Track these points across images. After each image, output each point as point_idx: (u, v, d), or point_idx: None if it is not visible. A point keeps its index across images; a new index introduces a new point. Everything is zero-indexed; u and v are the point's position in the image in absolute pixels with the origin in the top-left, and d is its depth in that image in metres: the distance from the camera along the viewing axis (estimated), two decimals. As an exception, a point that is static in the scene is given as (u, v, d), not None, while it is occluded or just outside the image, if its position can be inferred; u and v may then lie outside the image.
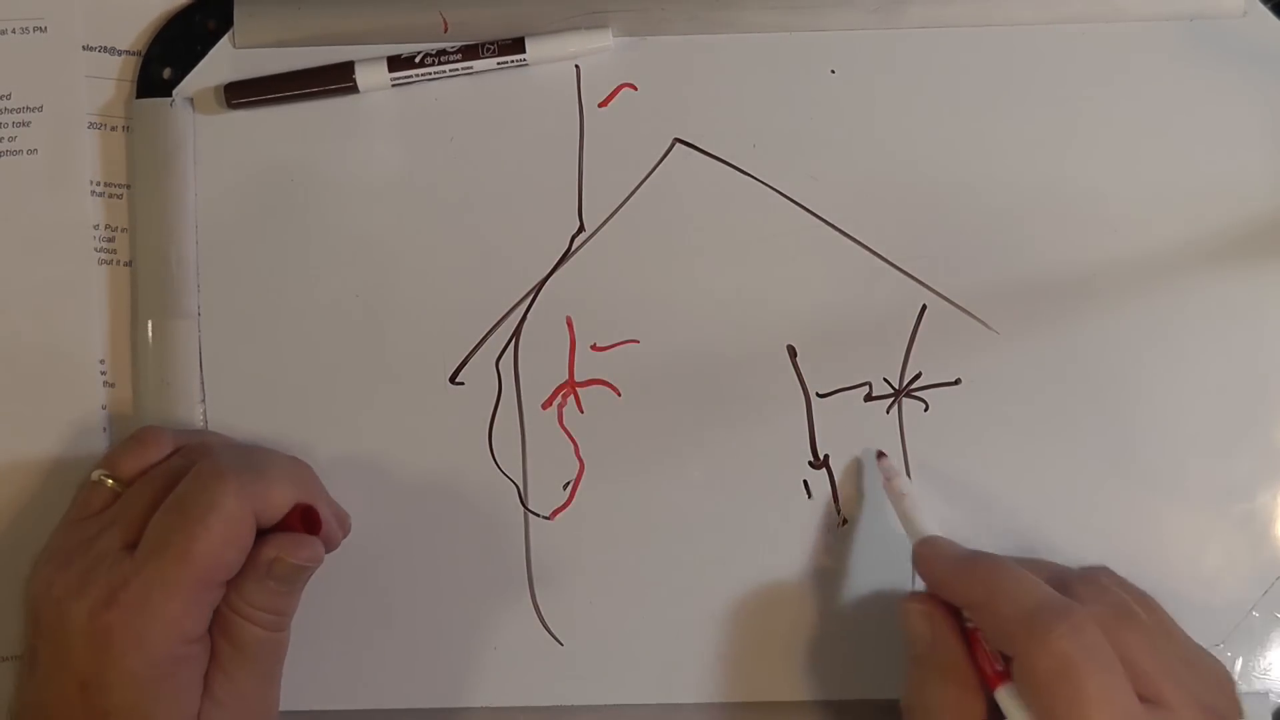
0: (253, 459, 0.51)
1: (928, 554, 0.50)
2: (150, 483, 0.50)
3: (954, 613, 0.48)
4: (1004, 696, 0.45)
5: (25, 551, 0.54)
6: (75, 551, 0.49)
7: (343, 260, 0.55)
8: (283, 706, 0.54)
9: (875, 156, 0.55)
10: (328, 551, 0.52)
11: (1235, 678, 0.52)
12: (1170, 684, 0.45)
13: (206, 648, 0.49)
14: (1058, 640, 0.43)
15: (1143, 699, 0.44)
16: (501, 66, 0.55)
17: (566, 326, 0.55)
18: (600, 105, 0.56)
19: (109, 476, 0.51)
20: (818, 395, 0.55)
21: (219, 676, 0.49)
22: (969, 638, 0.47)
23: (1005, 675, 0.45)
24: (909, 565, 0.54)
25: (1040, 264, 0.55)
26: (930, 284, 0.55)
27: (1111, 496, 0.54)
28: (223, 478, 0.48)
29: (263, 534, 0.49)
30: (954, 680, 0.47)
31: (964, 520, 0.54)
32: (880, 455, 0.54)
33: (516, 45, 0.55)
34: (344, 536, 0.54)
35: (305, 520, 0.50)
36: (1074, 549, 0.53)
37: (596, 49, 0.55)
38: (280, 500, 0.49)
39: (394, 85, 0.55)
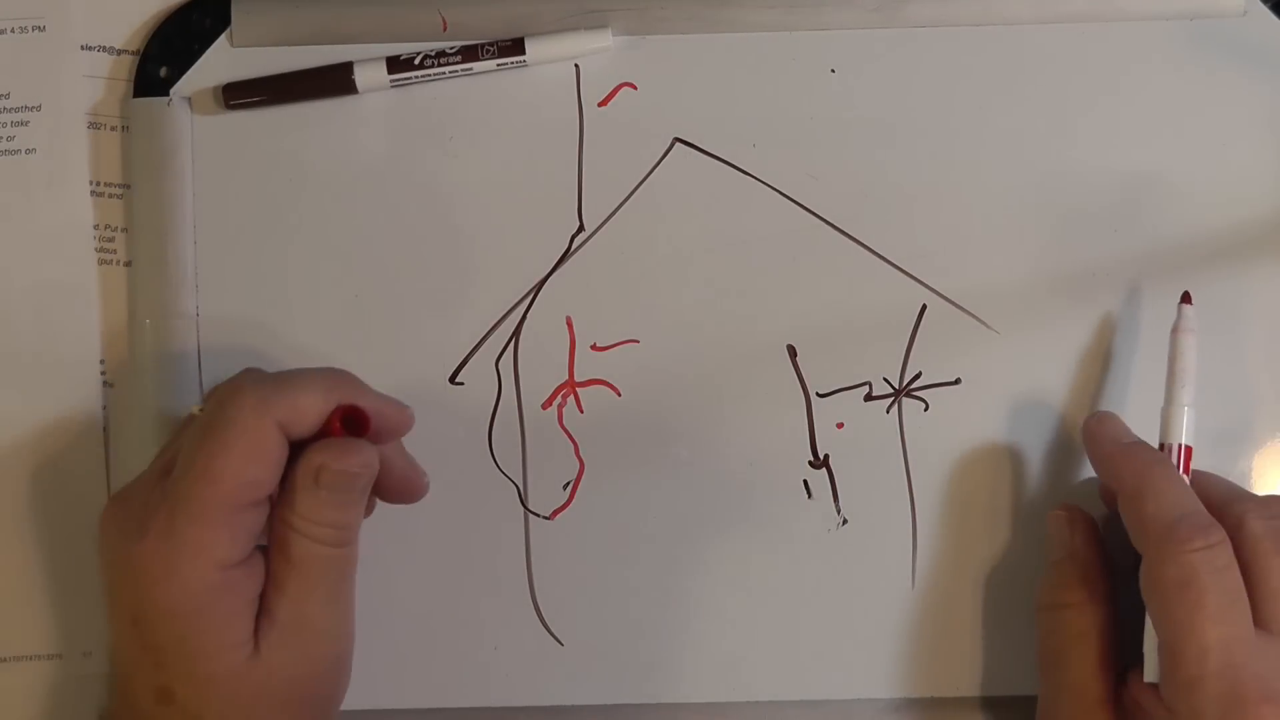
0: (282, 373, 0.48)
1: (1095, 430, 0.52)
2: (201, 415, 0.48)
3: (1094, 524, 0.51)
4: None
5: (25, 552, 0.54)
6: (129, 487, 0.48)
7: (342, 260, 0.55)
8: (282, 706, 0.55)
9: (875, 156, 0.55)
10: (387, 442, 0.49)
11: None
12: None
13: (253, 572, 0.46)
14: (1189, 553, 0.45)
15: (1261, 626, 0.46)
16: (501, 67, 0.55)
17: (566, 326, 0.55)
18: (600, 105, 0.56)
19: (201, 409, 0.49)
20: (818, 395, 0.55)
21: (278, 598, 0.46)
22: None
23: None
24: (909, 565, 0.54)
25: (1040, 264, 0.55)
26: (930, 284, 0.55)
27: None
28: (239, 392, 0.45)
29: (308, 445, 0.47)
30: (1084, 585, 0.50)
31: (964, 519, 0.54)
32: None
33: (516, 46, 0.55)
34: (408, 429, 0.50)
35: (349, 424, 0.47)
36: (1074, 549, 0.53)
37: (596, 49, 0.55)
38: (309, 407, 0.46)
39: (393, 86, 0.55)
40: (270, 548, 0.47)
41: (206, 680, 0.45)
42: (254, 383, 0.46)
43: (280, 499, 0.47)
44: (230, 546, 0.45)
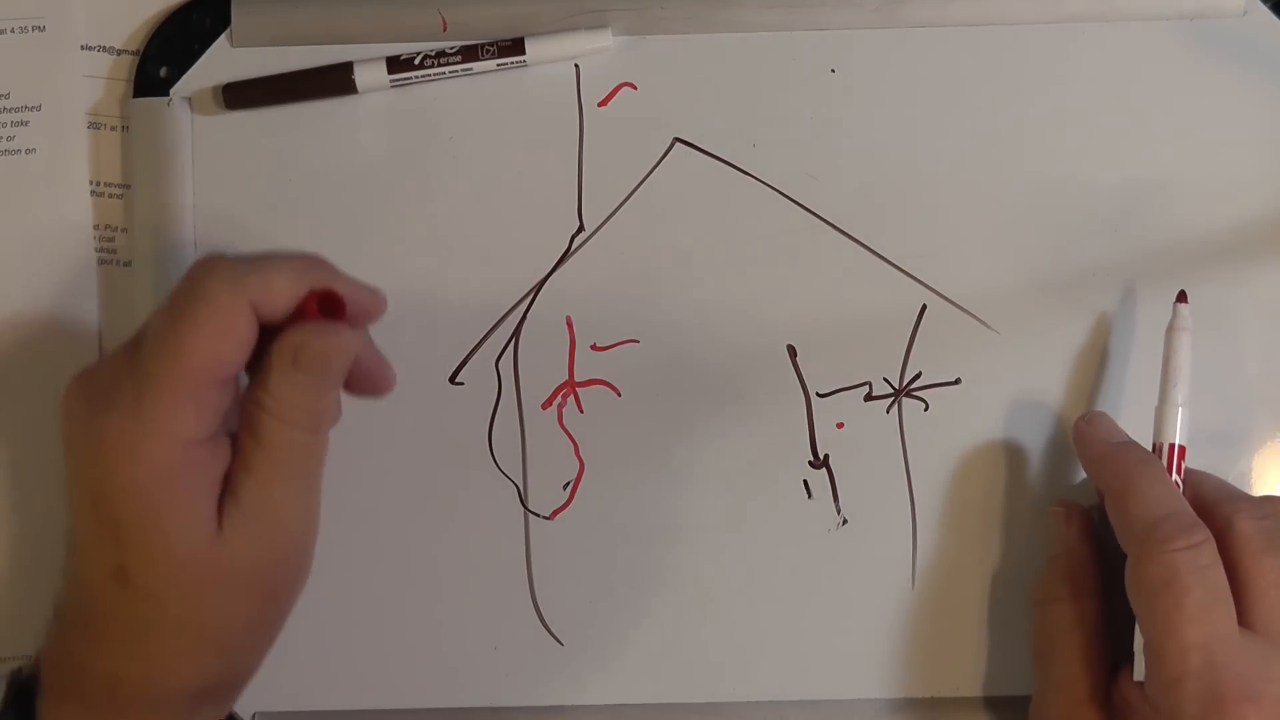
0: (255, 254, 0.46)
1: (1085, 430, 0.52)
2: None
3: (1090, 521, 0.52)
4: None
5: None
6: (94, 364, 0.47)
7: (341, 260, 0.54)
8: (279, 707, 0.55)
9: (875, 156, 0.55)
10: (360, 327, 0.48)
11: None
12: None
13: (218, 452, 0.45)
14: (1171, 553, 0.45)
15: (1247, 625, 0.46)
16: (501, 67, 0.55)
17: (566, 326, 0.55)
18: (600, 105, 0.56)
19: None
20: (818, 395, 0.55)
21: (245, 479, 0.45)
22: None
23: None
24: (909, 565, 0.54)
25: (1040, 264, 0.55)
26: (930, 284, 0.55)
27: (1111, 496, 0.55)
28: (212, 270, 0.44)
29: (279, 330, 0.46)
30: (1074, 581, 0.51)
31: (964, 519, 0.54)
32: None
33: (516, 46, 0.55)
34: (381, 313, 0.49)
35: (325, 308, 0.46)
36: (1074, 549, 0.53)
37: (596, 49, 0.55)
38: (283, 288, 0.45)
39: (393, 86, 0.55)
40: (240, 430, 0.46)
41: (165, 560, 0.44)
42: (227, 261, 0.45)
43: (252, 381, 0.46)
44: (196, 423, 0.44)
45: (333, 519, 0.54)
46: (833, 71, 0.55)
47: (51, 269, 0.56)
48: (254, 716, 0.55)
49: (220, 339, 0.44)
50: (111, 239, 0.56)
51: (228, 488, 0.45)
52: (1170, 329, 0.52)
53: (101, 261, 0.56)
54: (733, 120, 0.55)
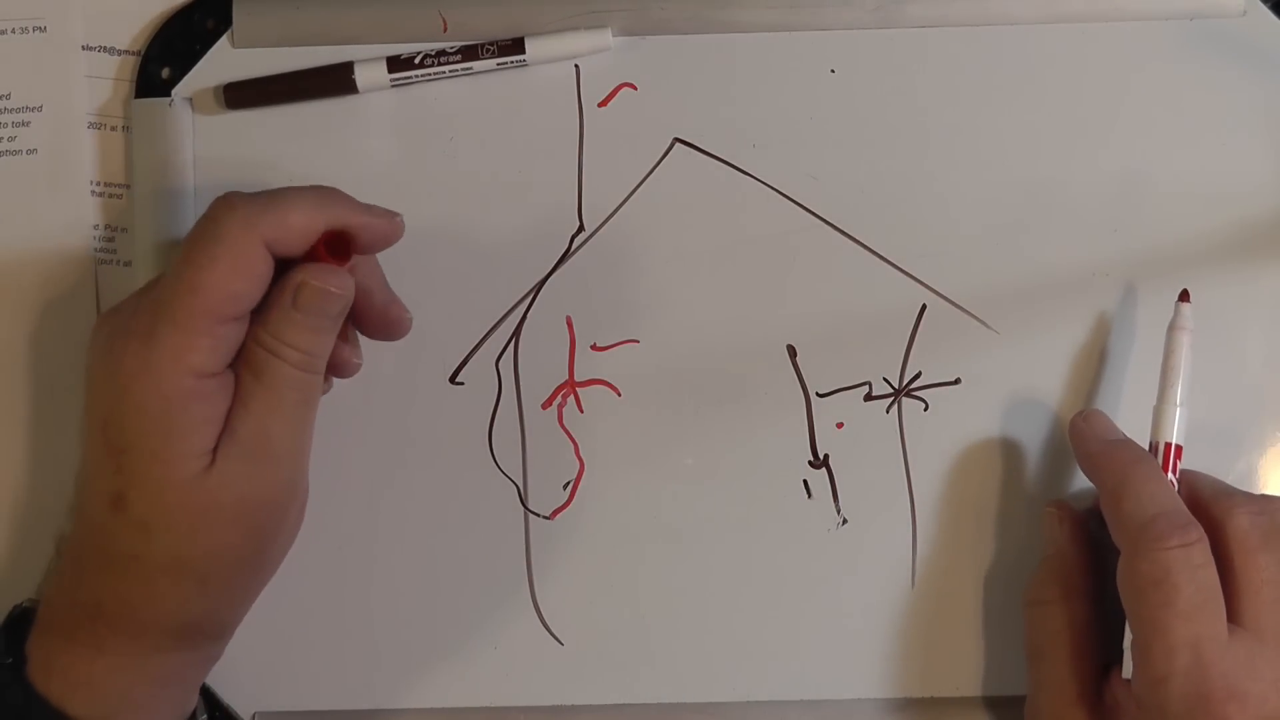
0: (272, 190, 0.48)
1: (1081, 428, 0.52)
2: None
3: (1082, 522, 0.52)
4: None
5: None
6: (123, 301, 0.49)
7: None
8: (279, 706, 0.55)
9: (875, 156, 0.55)
10: (380, 250, 0.50)
11: None
12: (1276, 618, 0.47)
13: (224, 386, 0.47)
14: (1163, 551, 0.46)
15: (1237, 623, 0.46)
16: (501, 67, 0.55)
17: (566, 326, 0.55)
18: (600, 105, 0.56)
19: None
20: (818, 395, 0.55)
21: (242, 413, 0.47)
22: None
23: None
24: (909, 565, 0.54)
25: (1040, 264, 0.55)
26: (930, 284, 0.55)
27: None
28: (230, 207, 0.46)
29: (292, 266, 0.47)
30: (1064, 582, 0.51)
31: (964, 519, 0.54)
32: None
33: (516, 45, 0.55)
34: (398, 237, 0.50)
35: (333, 249, 0.47)
36: (1074, 549, 0.53)
37: (596, 49, 0.55)
38: (299, 224, 0.46)
39: (393, 85, 0.55)
40: (240, 367, 0.47)
41: (160, 486, 0.46)
42: (244, 199, 0.46)
43: (257, 319, 0.47)
44: (208, 356, 0.46)
45: (333, 518, 0.55)
46: (833, 72, 0.55)
47: (51, 269, 0.56)
48: (254, 716, 0.55)
49: (234, 276, 0.45)
50: (111, 239, 0.56)
51: (226, 422, 0.47)
52: (1171, 328, 0.52)
53: (101, 261, 0.56)
54: (733, 120, 0.55)
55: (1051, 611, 0.51)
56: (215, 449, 0.46)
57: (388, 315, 0.52)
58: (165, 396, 0.45)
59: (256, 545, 0.49)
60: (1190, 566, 0.45)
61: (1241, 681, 0.45)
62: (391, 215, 0.50)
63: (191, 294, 0.45)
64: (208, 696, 0.54)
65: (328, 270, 0.47)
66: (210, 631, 0.50)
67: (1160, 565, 0.46)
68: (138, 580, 0.46)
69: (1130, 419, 0.53)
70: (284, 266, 0.47)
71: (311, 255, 0.47)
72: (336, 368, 0.52)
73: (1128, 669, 0.47)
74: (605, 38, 0.55)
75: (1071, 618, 0.50)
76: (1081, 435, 0.52)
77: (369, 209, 0.49)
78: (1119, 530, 0.48)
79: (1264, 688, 0.45)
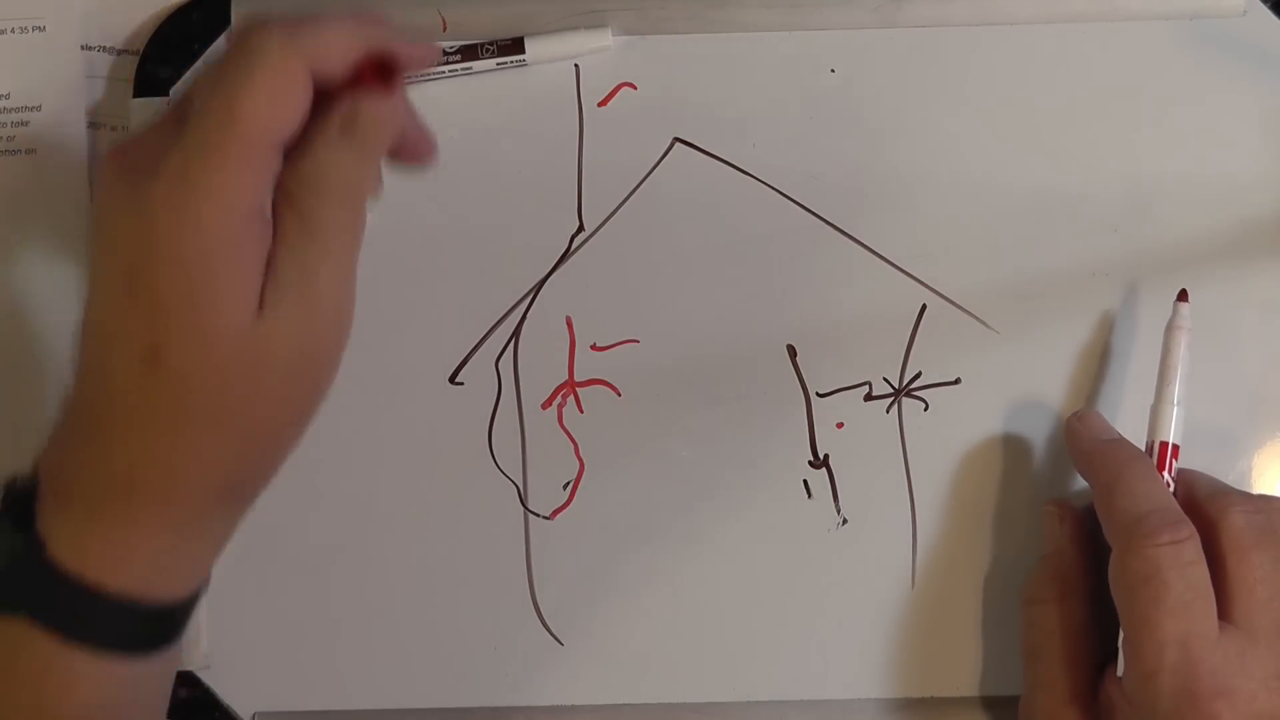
0: (309, 15, 0.43)
1: (1077, 428, 0.52)
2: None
3: (1082, 520, 0.52)
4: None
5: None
6: (133, 137, 0.44)
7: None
8: (279, 706, 0.55)
9: (875, 156, 0.55)
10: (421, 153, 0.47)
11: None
12: (1268, 617, 0.47)
13: (265, 227, 0.42)
14: (1154, 548, 0.46)
15: (1229, 621, 0.46)
16: (501, 67, 0.55)
17: (566, 326, 0.55)
18: (600, 105, 0.56)
19: None
20: (818, 395, 0.55)
21: (286, 256, 0.42)
22: None
23: None
24: (909, 565, 0.54)
25: (1040, 264, 0.55)
26: (930, 284, 0.55)
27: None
28: (266, 30, 0.41)
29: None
30: (1062, 581, 0.51)
31: (964, 519, 0.54)
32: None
33: (516, 45, 0.55)
34: (435, 61, 0.48)
35: (379, 74, 0.43)
36: (1074, 549, 0.53)
37: (596, 49, 0.55)
38: (339, 46, 0.42)
39: (393, 85, 0.55)
40: (279, 207, 0.43)
41: (204, 339, 0.42)
42: (279, 23, 0.42)
43: (295, 154, 0.43)
44: (250, 192, 0.41)
45: (332, 518, 0.55)
46: (833, 71, 0.56)
47: (51, 269, 0.56)
48: (254, 716, 0.55)
49: (276, 102, 0.41)
50: (111, 239, 0.56)
51: (269, 266, 0.42)
52: (1169, 327, 0.52)
53: (101, 261, 0.56)
54: (733, 120, 0.55)
55: (1049, 610, 0.51)
56: (261, 297, 0.42)
57: (417, 142, 0.47)
58: (204, 243, 0.41)
59: (304, 396, 0.45)
60: (1180, 563, 0.46)
61: (1231, 679, 0.45)
62: (428, 45, 0.47)
63: (231, 124, 0.41)
64: (208, 696, 0.54)
65: (380, 97, 0.43)
66: (249, 490, 0.46)
67: (1150, 562, 0.46)
68: (179, 441, 0.43)
69: (1130, 419, 0.53)
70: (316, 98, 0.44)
71: (353, 82, 0.43)
72: (415, 153, 0.48)
73: (1121, 666, 0.47)
74: (605, 37, 0.55)
75: (1068, 617, 0.51)
76: (1076, 435, 0.52)
77: (408, 44, 0.45)
78: (1111, 527, 0.48)
79: (1254, 685, 0.45)
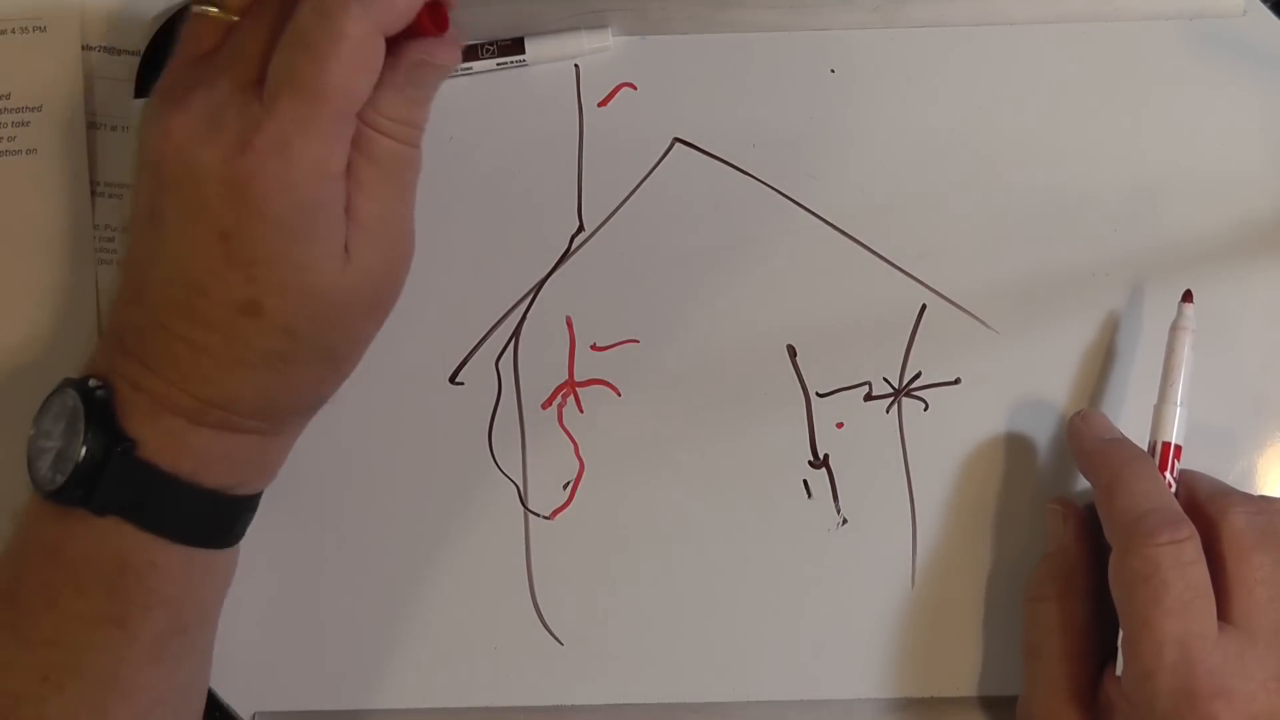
0: None
1: (1080, 427, 0.52)
2: (263, 14, 0.46)
3: (1085, 519, 0.52)
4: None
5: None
6: (194, 94, 0.46)
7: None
8: (279, 707, 0.55)
9: (875, 156, 0.55)
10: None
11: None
12: (1268, 618, 0.47)
13: (344, 180, 0.46)
14: (1154, 547, 0.46)
15: (1229, 621, 0.46)
16: (501, 67, 0.55)
17: (566, 326, 0.55)
18: (600, 105, 0.56)
19: (212, 5, 0.48)
20: (818, 395, 0.55)
21: (363, 201, 0.46)
22: None
23: None
24: (909, 565, 0.54)
25: (1040, 264, 0.55)
26: (930, 284, 0.55)
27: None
28: (345, 5, 0.44)
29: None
30: (1064, 579, 0.51)
31: (964, 519, 0.54)
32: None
33: (516, 46, 0.55)
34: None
35: (434, 21, 0.46)
36: (1074, 549, 0.53)
37: (596, 49, 0.55)
38: (406, 5, 0.45)
39: (394, 85, 0.55)
40: (351, 154, 0.46)
41: (303, 291, 0.46)
42: None
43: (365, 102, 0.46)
44: (340, 159, 0.45)
45: (333, 519, 0.55)
46: (832, 72, 0.56)
47: (51, 269, 0.56)
48: (254, 716, 0.55)
49: (360, 73, 0.44)
50: (111, 239, 0.56)
51: (349, 212, 0.46)
52: (1173, 328, 0.52)
53: (101, 261, 0.56)
54: (733, 120, 0.55)
55: (1050, 608, 0.51)
56: (346, 242, 0.46)
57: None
58: (304, 208, 0.45)
59: (377, 324, 0.50)
60: (1180, 563, 0.46)
61: (1230, 679, 0.45)
62: None
63: (322, 101, 0.44)
64: (208, 697, 0.54)
65: (439, 44, 0.46)
66: (323, 402, 0.51)
67: (1150, 561, 0.46)
68: (279, 375, 0.47)
69: (1131, 419, 0.53)
70: None
71: (409, 30, 0.46)
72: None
73: (1121, 666, 0.47)
74: (605, 38, 0.55)
75: (1070, 615, 0.50)
76: (1079, 434, 0.52)
77: None
78: (1111, 526, 0.48)
79: (1253, 686, 0.45)
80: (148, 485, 0.47)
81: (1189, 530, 0.46)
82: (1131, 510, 0.47)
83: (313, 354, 0.47)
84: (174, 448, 0.47)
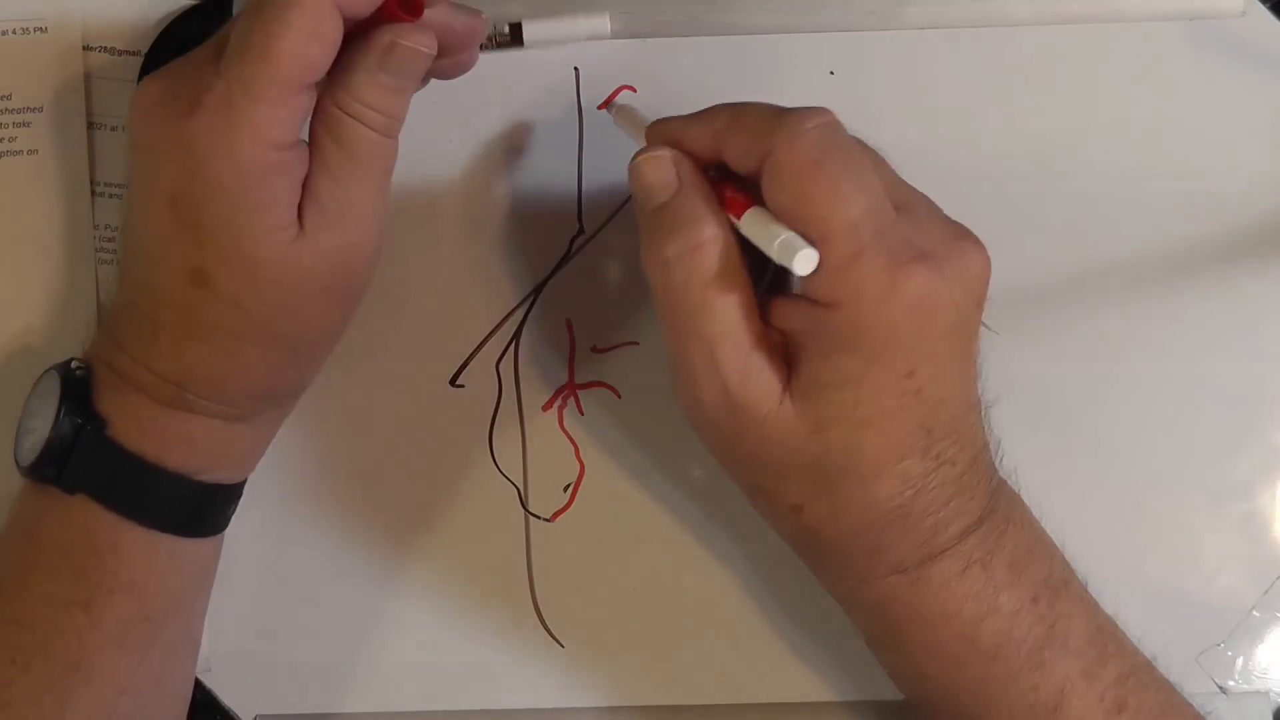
0: None
1: (663, 124, 0.48)
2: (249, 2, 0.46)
3: (694, 160, 0.46)
4: (752, 218, 0.43)
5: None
6: (169, 67, 0.47)
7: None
8: (279, 709, 0.55)
9: (875, 157, 0.55)
10: (464, 51, 0.50)
11: (1232, 675, 0.53)
12: (911, 192, 0.46)
13: (301, 156, 0.46)
14: (811, 132, 0.42)
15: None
16: (500, 46, 0.55)
17: (566, 328, 0.55)
18: (600, 107, 0.56)
19: None
20: (818, 396, 0.55)
21: (325, 181, 0.46)
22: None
23: (753, 201, 0.43)
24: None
25: (1040, 264, 0.55)
26: (930, 284, 0.55)
27: (1111, 496, 0.54)
28: None
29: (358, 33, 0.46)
30: (712, 216, 0.44)
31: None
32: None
33: (514, 31, 0.54)
34: (481, 36, 0.51)
35: (405, 7, 0.46)
36: (1074, 548, 0.52)
37: (593, 34, 0.55)
38: None
39: (394, 86, 0.55)
40: (318, 133, 0.46)
41: (248, 262, 0.45)
42: None
43: (332, 83, 0.46)
44: (287, 127, 0.45)
45: (333, 521, 0.55)
46: (832, 73, 0.56)
47: (51, 269, 0.56)
48: (255, 719, 0.55)
49: (310, 42, 0.44)
50: (112, 239, 0.56)
51: (308, 190, 0.46)
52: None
53: (101, 262, 0.56)
54: (733, 122, 0.55)
55: (709, 252, 0.43)
56: (301, 219, 0.46)
57: (454, 65, 0.51)
58: (246, 171, 0.44)
59: (342, 311, 0.49)
60: (841, 143, 0.43)
61: (920, 242, 0.43)
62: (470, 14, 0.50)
63: (268, 63, 0.44)
64: (208, 698, 0.54)
65: (414, 29, 0.46)
66: (293, 393, 0.51)
67: (812, 144, 0.42)
68: (229, 351, 0.47)
69: (1134, 419, 0.53)
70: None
71: (382, 15, 0.46)
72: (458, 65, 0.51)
73: (803, 267, 0.42)
74: (603, 23, 0.54)
75: (729, 250, 0.44)
76: (665, 125, 0.48)
77: None
78: (752, 142, 0.44)
79: (938, 247, 0.43)
80: (114, 464, 0.47)
81: (832, 113, 0.43)
82: (767, 115, 0.44)
83: (263, 334, 0.47)
84: (138, 427, 0.47)
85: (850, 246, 0.42)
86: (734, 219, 0.44)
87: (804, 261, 0.41)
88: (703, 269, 0.43)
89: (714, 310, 0.43)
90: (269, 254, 0.45)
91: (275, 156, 0.45)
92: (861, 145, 0.45)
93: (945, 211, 0.54)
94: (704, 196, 0.45)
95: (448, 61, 0.50)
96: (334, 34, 0.45)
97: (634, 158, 0.46)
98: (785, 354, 0.44)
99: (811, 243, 0.42)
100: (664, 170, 0.46)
